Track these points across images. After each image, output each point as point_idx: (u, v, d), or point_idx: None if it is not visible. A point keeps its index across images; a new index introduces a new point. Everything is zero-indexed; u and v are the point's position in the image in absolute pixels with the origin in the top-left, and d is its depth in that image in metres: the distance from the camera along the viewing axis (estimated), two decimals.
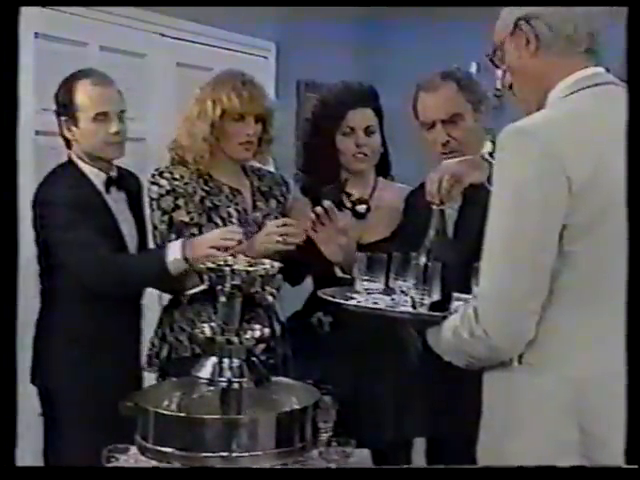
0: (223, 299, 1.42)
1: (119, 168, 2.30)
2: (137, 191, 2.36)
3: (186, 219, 2.10)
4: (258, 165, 2.32)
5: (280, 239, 2.01)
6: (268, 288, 1.47)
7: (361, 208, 2.27)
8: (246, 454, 1.33)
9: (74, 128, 2.17)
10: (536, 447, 1.32)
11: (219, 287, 1.42)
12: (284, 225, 2.04)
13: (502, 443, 1.36)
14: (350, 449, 1.53)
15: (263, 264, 1.45)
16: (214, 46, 3.56)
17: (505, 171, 1.33)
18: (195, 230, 2.10)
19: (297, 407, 1.41)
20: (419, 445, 2.29)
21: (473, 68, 3.67)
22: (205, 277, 1.43)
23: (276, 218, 2.19)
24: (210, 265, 1.42)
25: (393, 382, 2.20)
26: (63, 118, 2.19)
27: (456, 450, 1.98)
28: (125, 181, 2.29)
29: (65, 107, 2.17)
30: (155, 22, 3.26)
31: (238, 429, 1.34)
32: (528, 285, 1.30)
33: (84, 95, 2.16)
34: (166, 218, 2.10)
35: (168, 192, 2.11)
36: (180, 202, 2.11)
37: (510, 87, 1.49)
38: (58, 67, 2.77)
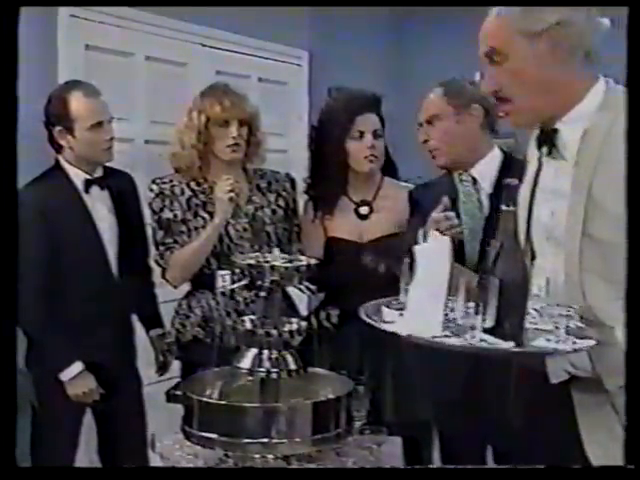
0: (263, 294, 1.42)
1: (106, 168, 2.34)
2: (126, 189, 2.39)
3: (170, 216, 2.24)
4: (261, 167, 2.41)
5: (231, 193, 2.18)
6: (306, 283, 1.45)
7: (364, 210, 2.31)
8: (284, 440, 1.33)
9: (69, 137, 2.23)
10: None
11: (259, 282, 1.41)
12: (228, 179, 2.20)
13: None
14: (382, 437, 1.51)
15: (300, 260, 1.45)
16: (251, 55, 3.57)
17: None
18: (182, 226, 2.24)
19: (332, 396, 1.40)
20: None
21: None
22: (246, 273, 1.43)
23: (273, 210, 2.32)
24: (250, 261, 1.42)
25: (398, 372, 2.21)
26: (57, 128, 2.23)
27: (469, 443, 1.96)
28: (110, 180, 2.33)
29: (60, 118, 2.21)
30: (196, 33, 3.27)
31: (277, 416, 1.33)
32: None
33: (78, 107, 2.21)
34: (156, 217, 2.26)
35: (157, 195, 2.26)
36: (166, 202, 2.26)
37: (496, 92, 1.38)
38: (108, 77, 2.81)
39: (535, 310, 1.26)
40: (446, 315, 1.22)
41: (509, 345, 1.18)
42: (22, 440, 2.06)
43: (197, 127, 2.23)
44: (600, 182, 1.30)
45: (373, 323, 1.29)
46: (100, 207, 2.29)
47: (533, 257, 1.35)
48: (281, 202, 2.35)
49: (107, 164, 2.35)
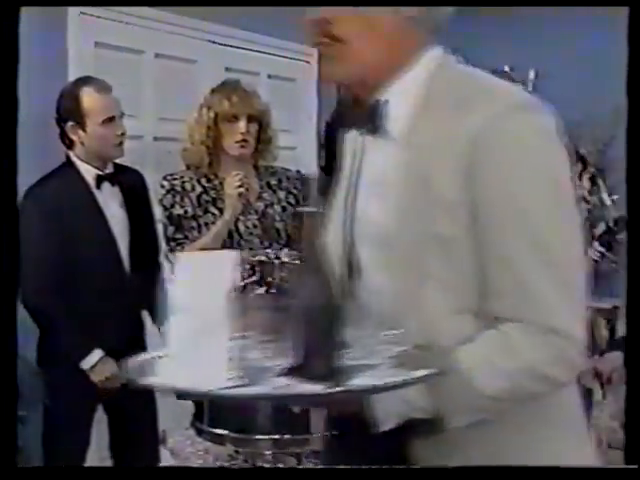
0: (272, 290, 1.42)
1: (116, 165, 2.34)
2: (137, 186, 2.40)
3: (181, 212, 2.24)
4: (273, 164, 2.41)
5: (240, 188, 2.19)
6: None
7: None
8: (295, 437, 1.32)
9: (80, 132, 2.23)
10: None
11: (269, 278, 1.41)
12: (237, 175, 2.20)
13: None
14: None
15: None
16: (260, 52, 3.56)
17: (539, 157, 0.97)
18: (193, 222, 2.24)
19: None
20: None
21: (532, 75, 3.76)
22: (256, 269, 1.42)
23: (283, 207, 2.32)
24: (261, 258, 1.42)
25: None
26: (70, 123, 2.24)
27: None
28: (121, 177, 2.33)
29: (72, 113, 2.23)
30: (205, 30, 3.26)
31: (287, 414, 1.33)
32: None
33: (90, 102, 2.22)
34: (167, 213, 2.25)
35: (168, 191, 2.26)
36: (177, 198, 2.25)
37: (326, 22, 1.06)
38: (117, 74, 2.81)
39: (356, 341, 0.93)
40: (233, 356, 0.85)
41: (318, 388, 0.83)
42: (34, 438, 2.06)
43: (206, 123, 2.24)
44: (439, 168, 0.98)
45: (133, 381, 0.86)
46: (111, 203, 2.30)
47: (358, 272, 1.05)
48: (291, 199, 2.35)
49: (117, 161, 2.35)
